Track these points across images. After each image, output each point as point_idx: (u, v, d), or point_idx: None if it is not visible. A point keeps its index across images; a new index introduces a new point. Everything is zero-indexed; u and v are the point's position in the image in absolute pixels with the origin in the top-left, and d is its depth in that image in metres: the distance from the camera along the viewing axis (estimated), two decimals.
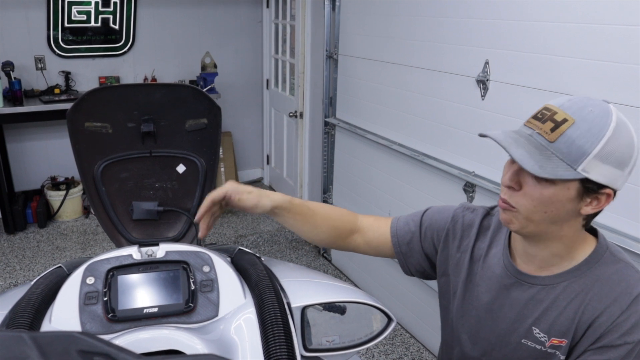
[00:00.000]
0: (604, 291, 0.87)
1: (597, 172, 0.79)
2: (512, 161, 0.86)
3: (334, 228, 1.11)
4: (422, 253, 1.10)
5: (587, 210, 0.84)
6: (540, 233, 0.89)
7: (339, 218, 1.12)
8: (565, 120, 0.80)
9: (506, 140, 0.83)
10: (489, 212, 1.07)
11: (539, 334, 0.92)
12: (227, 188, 1.03)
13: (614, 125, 0.79)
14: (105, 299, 1.04)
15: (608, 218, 1.65)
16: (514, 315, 0.96)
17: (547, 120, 0.81)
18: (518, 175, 0.85)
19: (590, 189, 0.81)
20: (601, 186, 0.81)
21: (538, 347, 0.93)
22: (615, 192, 0.84)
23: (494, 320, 0.99)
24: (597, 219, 1.48)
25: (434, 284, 2.51)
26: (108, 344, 0.37)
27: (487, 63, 2.04)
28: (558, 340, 0.90)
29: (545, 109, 0.83)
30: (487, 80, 2.05)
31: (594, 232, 0.96)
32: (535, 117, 0.84)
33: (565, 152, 0.79)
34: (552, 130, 0.80)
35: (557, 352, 0.91)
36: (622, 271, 0.89)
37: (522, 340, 0.95)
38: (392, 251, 1.12)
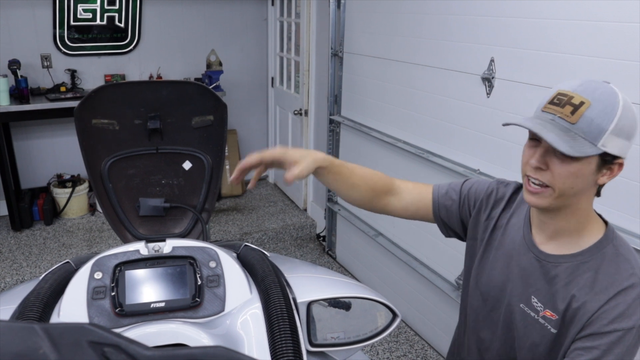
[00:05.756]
0: (597, 280, 0.94)
1: (613, 146, 0.89)
2: (533, 145, 0.94)
3: (371, 189, 1.19)
4: (459, 218, 1.20)
5: (603, 180, 0.93)
6: (563, 206, 0.96)
7: (376, 180, 1.20)
8: (582, 103, 0.89)
9: (535, 126, 0.90)
10: (520, 187, 1.16)
11: (537, 302, 1.01)
12: (277, 154, 1.07)
13: (622, 103, 0.89)
14: (113, 293, 1.05)
15: (608, 215, 1.63)
16: (520, 281, 1.05)
17: (566, 105, 0.90)
18: (544, 157, 0.93)
19: (607, 160, 0.91)
20: (615, 157, 0.90)
21: (532, 314, 1.02)
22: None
23: (504, 282, 1.08)
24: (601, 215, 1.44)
25: (438, 282, 2.52)
26: (118, 335, 0.38)
27: (492, 61, 2.04)
28: (550, 313, 0.99)
29: (560, 94, 0.92)
30: (493, 77, 2.04)
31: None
32: (552, 102, 0.92)
33: (587, 131, 0.88)
34: (572, 113, 0.89)
35: (548, 325, 0.99)
36: (619, 265, 0.95)
37: (521, 305, 1.04)
38: (431, 216, 1.22)
